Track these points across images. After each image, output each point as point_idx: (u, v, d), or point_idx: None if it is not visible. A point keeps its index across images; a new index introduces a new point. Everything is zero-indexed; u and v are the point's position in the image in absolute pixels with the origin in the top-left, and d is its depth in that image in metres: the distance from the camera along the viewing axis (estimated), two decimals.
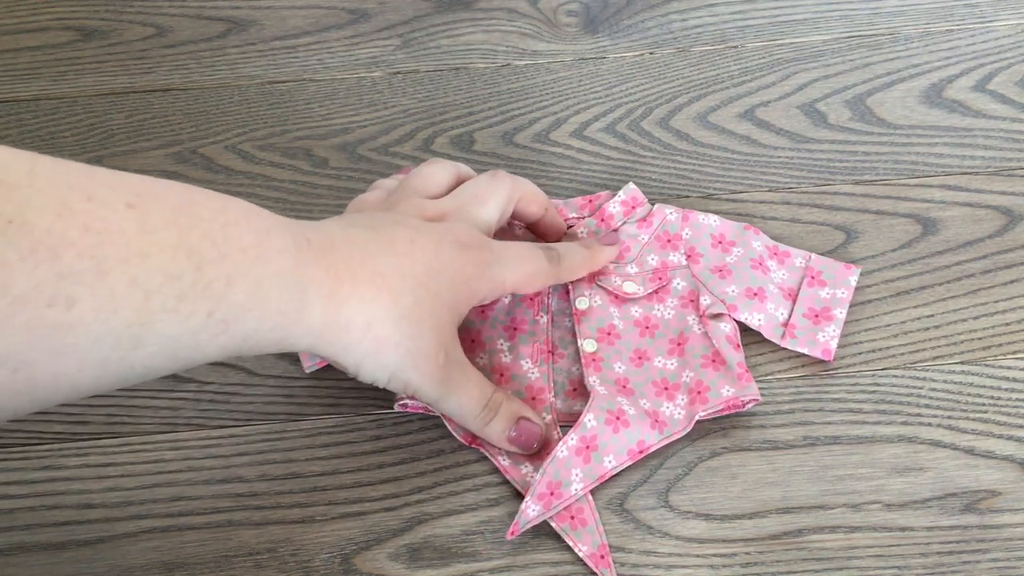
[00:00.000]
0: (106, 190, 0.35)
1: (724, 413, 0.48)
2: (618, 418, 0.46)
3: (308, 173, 0.57)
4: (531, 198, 0.50)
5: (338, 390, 0.49)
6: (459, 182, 0.49)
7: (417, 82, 0.61)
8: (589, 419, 0.46)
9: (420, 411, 0.48)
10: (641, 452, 0.46)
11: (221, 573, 0.45)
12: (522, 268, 0.46)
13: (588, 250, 0.50)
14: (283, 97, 0.60)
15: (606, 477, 0.46)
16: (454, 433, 0.47)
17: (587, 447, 0.46)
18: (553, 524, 0.45)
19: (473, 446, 0.47)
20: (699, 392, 0.47)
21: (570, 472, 0.45)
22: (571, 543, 0.44)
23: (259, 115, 0.60)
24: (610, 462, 0.46)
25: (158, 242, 0.35)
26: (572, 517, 0.45)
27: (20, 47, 0.63)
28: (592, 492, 0.46)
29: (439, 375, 0.43)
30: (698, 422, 0.47)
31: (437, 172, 0.49)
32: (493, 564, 0.45)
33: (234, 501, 0.46)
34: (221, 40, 0.63)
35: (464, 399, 0.45)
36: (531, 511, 0.44)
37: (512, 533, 0.44)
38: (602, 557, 0.44)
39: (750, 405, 0.48)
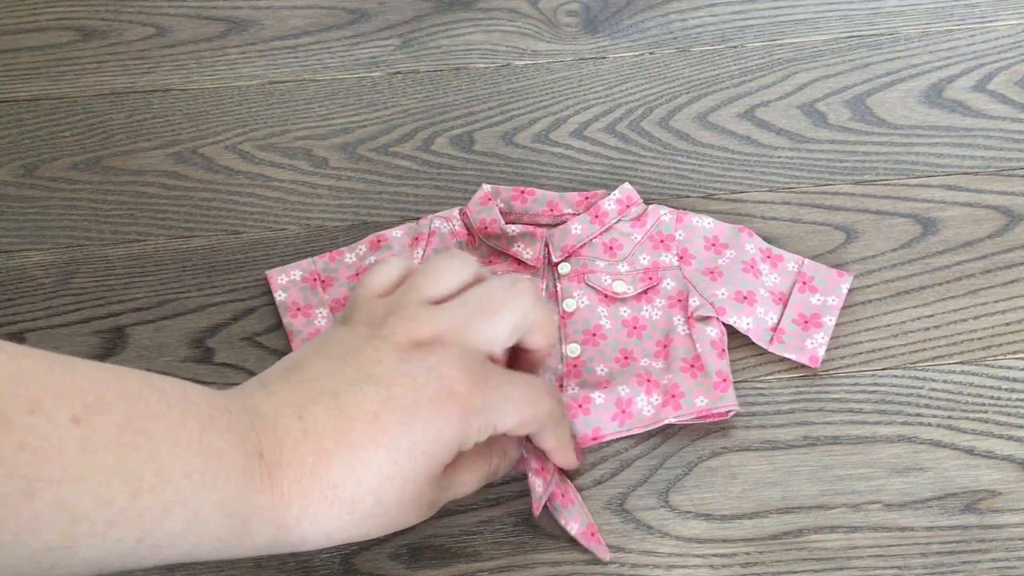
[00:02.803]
0: (53, 398, 0.33)
1: (706, 420, 0.48)
2: (580, 405, 0.47)
3: (308, 173, 0.57)
4: (540, 326, 0.42)
5: None
6: (476, 281, 0.43)
7: (417, 82, 0.61)
8: None
9: None
10: (595, 439, 0.47)
11: (221, 573, 0.45)
12: (517, 413, 0.40)
13: (569, 442, 0.45)
14: (283, 97, 0.60)
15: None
16: None
17: None
18: (547, 503, 0.45)
19: None
20: (673, 396, 0.47)
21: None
22: (563, 522, 0.44)
23: (259, 115, 0.60)
24: (539, 488, 0.45)
25: (95, 464, 0.33)
26: (562, 496, 0.45)
27: (20, 47, 0.63)
28: (595, 493, 0.46)
29: (427, 515, 0.41)
30: (694, 425, 0.47)
31: (449, 272, 0.42)
32: (493, 564, 0.45)
33: None
34: (221, 40, 0.63)
35: (463, 492, 0.43)
36: (538, 487, 0.44)
37: (537, 509, 0.44)
38: (592, 535, 0.44)
39: (731, 414, 0.48)
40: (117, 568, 0.36)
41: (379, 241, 0.53)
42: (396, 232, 0.53)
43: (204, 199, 0.56)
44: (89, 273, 0.54)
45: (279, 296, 0.52)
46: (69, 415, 0.33)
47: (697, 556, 0.45)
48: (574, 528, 0.44)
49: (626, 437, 0.48)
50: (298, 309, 0.51)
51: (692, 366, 0.48)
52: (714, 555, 0.45)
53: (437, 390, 0.38)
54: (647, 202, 0.55)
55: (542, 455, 0.45)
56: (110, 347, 0.51)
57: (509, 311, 0.41)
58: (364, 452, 0.38)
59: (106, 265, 0.54)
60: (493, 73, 0.61)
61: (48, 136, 0.59)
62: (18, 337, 0.51)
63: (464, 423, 0.39)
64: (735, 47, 0.62)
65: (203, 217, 0.56)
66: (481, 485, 0.43)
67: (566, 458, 0.45)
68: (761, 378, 0.49)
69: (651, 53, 0.62)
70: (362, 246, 0.53)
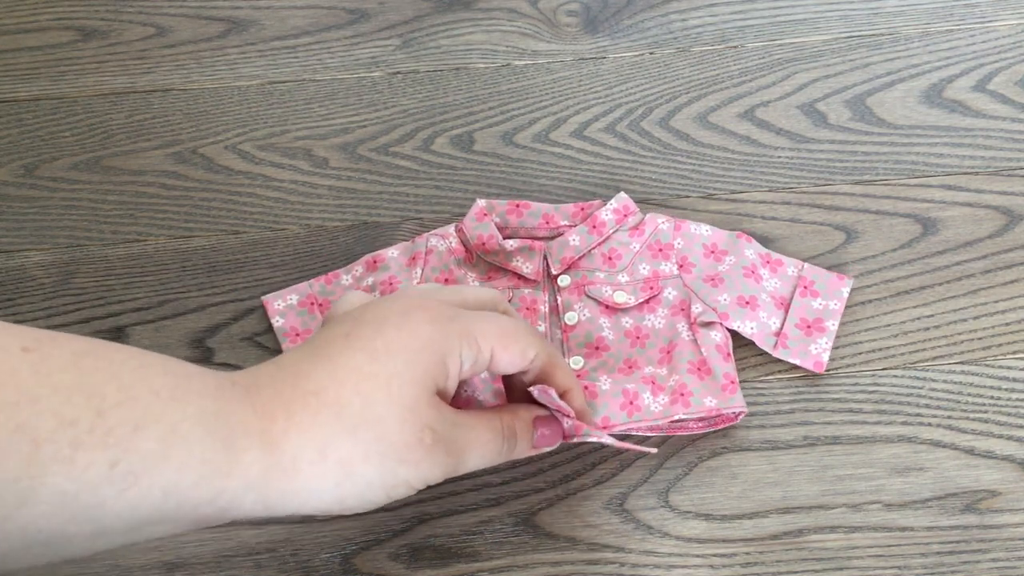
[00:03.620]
0: (2, 335, 0.32)
1: (716, 427, 0.48)
2: (585, 388, 0.46)
3: (308, 173, 0.57)
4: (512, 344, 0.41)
5: None
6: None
7: (417, 82, 0.61)
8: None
9: None
10: (604, 427, 0.46)
11: (221, 573, 0.45)
12: (494, 325, 0.40)
13: (578, 383, 0.44)
14: (283, 97, 0.60)
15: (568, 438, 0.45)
16: None
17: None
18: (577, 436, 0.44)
19: None
20: (682, 395, 0.47)
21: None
22: (596, 439, 0.43)
23: (259, 115, 0.60)
24: (567, 423, 0.44)
25: (52, 384, 0.32)
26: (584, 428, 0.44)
27: (20, 47, 0.63)
28: (594, 493, 0.46)
29: (435, 455, 0.38)
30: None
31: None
32: (493, 564, 0.45)
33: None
34: (221, 40, 0.63)
35: (481, 451, 0.40)
36: (566, 423, 0.43)
37: (579, 430, 0.43)
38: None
39: (740, 418, 0.48)
40: (98, 513, 0.33)
41: (375, 262, 0.52)
42: (392, 252, 0.52)
43: (204, 199, 0.56)
44: (89, 273, 0.54)
45: (276, 322, 0.51)
46: (19, 346, 0.32)
47: (697, 556, 0.45)
48: (608, 439, 0.44)
49: (631, 435, 0.48)
50: (297, 334, 0.50)
51: (699, 369, 0.48)
52: (714, 555, 0.45)
53: (400, 310, 0.39)
54: (647, 202, 0.55)
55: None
56: None
57: (477, 290, 0.43)
58: (341, 359, 0.37)
59: (106, 265, 0.54)
60: (493, 73, 0.61)
61: (48, 136, 0.59)
62: None
63: (439, 327, 0.38)
64: (735, 47, 0.62)
65: (203, 217, 0.56)
66: (495, 453, 0.41)
67: (581, 396, 0.43)
68: (761, 378, 0.49)
69: (651, 53, 0.62)
70: (359, 267, 0.52)
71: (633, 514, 0.46)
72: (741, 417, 0.48)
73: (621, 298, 0.50)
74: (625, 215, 0.53)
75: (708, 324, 0.49)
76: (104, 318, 0.52)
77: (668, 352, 0.49)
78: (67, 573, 0.44)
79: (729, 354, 0.49)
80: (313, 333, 0.40)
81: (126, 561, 0.45)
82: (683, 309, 0.50)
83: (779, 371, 0.50)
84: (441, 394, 0.39)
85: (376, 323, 0.38)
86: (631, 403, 0.47)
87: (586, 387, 0.47)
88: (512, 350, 0.40)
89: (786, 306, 0.50)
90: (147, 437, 0.33)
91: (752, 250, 0.52)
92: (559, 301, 0.51)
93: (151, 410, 0.33)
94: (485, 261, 0.52)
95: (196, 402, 0.35)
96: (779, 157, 0.57)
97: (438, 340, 0.38)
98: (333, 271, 0.53)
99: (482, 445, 0.40)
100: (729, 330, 0.49)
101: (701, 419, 0.48)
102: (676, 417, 0.47)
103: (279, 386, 0.37)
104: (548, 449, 0.44)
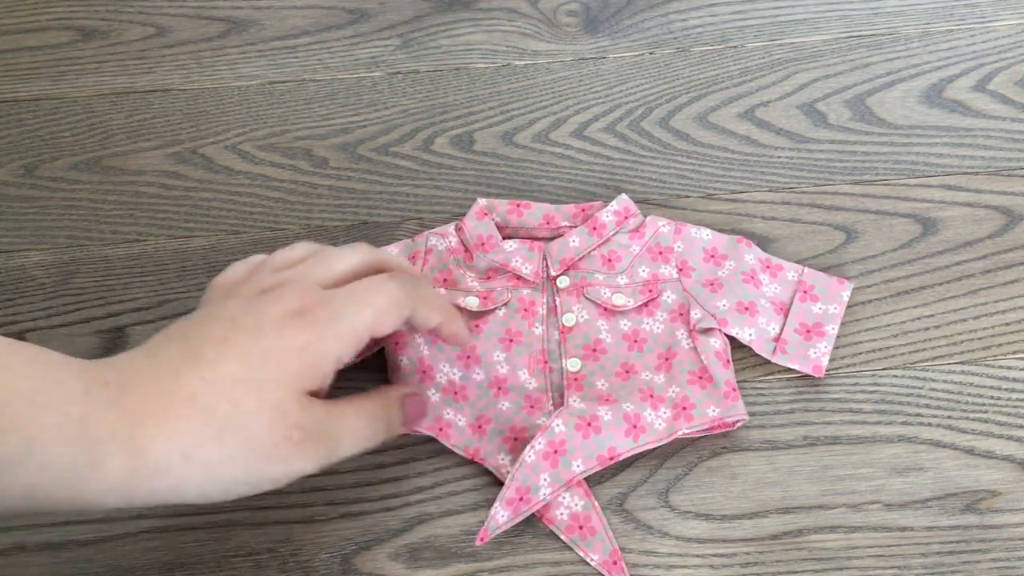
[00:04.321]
0: None
1: (714, 432, 0.48)
2: (589, 424, 0.46)
3: (308, 173, 0.57)
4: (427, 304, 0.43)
5: (339, 389, 0.49)
6: (369, 270, 0.44)
7: (417, 82, 0.61)
8: (557, 424, 0.46)
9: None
10: (611, 458, 0.46)
11: (221, 573, 0.45)
12: (369, 307, 0.41)
13: (446, 300, 0.46)
14: (283, 97, 0.60)
15: (573, 482, 0.45)
16: (454, 449, 0.47)
17: (555, 451, 0.46)
18: (562, 537, 0.45)
19: (476, 461, 0.47)
20: (684, 408, 0.47)
21: (538, 477, 0.45)
22: (582, 554, 0.44)
23: (259, 115, 0.60)
24: (578, 466, 0.45)
25: None
26: (580, 527, 0.45)
27: (20, 47, 0.63)
28: (594, 494, 0.46)
29: (305, 449, 0.39)
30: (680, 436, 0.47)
31: (339, 259, 0.43)
32: (493, 564, 0.45)
33: (233, 501, 0.46)
34: (221, 40, 0.63)
35: (354, 437, 0.41)
36: (500, 517, 0.44)
37: (481, 540, 0.44)
38: (615, 563, 0.44)
39: (738, 424, 0.48)
40: None
41: None
42: (392, 249, 0.52)
43: (204, 199, 0.56)
44: (89, 273, 0.54)
45: None
46: None
47: (697, 556, 0.45)
48: (595, 559, 0.44)
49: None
50: None
51: (700, 377, 0.48)
52: (714, 555, 0.45)
53: (282, 312, 0.40)
54: (647, 202, 0.55)
55: (532, 477, 0.45)
56: (110, 347, 0.51)
57: (348, 258, 0.43)
58: (216, 365, 0.38)
59: (106, 265, 0.54)
60: (493, 73, 0.61)
61: (48, 136, 0.59)
62: (18, 337, 0.51)
63: (316, 331, 0.39)
64: (735, 47, 0.62)
65: (203, 217, 0.56)
66: (370, 438, 0.42)
67: (459, 331, 0.45)
68: (761, 378, 0.49)
69: (651, 53, 0.62)
70: None
71: (633, 514, 0.46)
72: (739, 425, 0.48)
73: (620, 300, 0.50)
74: (626, 217, 0.53)
75: (707, 330, 0.49)
76: (104, 318, 0.52)
77: (667, 360, 0.49)
78: (67, 573, 0.44)
79: (729, 360, 0.49)
80: (190, 321, 0.41)
81: (126, 561, 0.45)
82: (682, 314, 0.50)
83: (779, 371, 0.50)
84: (316, 392, 0.40)
85: (253, 330, 0.39)
86: (635, 427, 0.47)
87: (589, 423, 0.46)
88: (389, 323, 0.41)
89: (785, 311, 0.50)
90: (6, 443, 0.34)
91: (752, 255, 0.52)
92: (557, 302, 0.51)
93: (12, 417, 0.34)
94: (484, 260, 0.52)
95: (61, 408, 0.35)
96: (779, 157, 0.57)
97: (314, 345, 0.39)
98: None
99: (355, 431, 0.41)
100: (727, 335, 0.49)
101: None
102: (679, 433, 0.47)
103: (151, 387, 0.37)
104: (420, 424, 0.46)
